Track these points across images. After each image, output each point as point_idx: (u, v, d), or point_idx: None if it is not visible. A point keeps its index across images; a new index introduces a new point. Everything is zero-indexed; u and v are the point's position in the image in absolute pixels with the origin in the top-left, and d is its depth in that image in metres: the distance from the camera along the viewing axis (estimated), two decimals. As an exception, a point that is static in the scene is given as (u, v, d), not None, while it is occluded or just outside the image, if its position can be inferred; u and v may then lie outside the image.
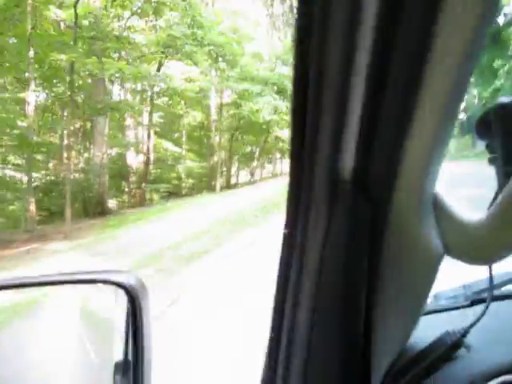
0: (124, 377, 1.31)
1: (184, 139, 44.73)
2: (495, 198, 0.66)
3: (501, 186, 0.66)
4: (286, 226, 0.65)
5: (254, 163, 50.19)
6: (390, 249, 0.62)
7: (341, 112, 0.53)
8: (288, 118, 39.35)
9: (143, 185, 37.33)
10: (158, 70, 36.73)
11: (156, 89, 42.17)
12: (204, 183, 42.91)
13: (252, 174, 47.84)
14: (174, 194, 41.36)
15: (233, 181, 47.05)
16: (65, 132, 24.16)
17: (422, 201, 0.63)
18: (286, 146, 43.79)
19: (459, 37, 0.48)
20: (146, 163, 38.82)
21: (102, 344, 1.88)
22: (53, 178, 31.07)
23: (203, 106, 41.72)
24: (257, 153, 45.68)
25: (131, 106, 29.90)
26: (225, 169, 44.83)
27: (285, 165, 59.50)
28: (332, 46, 0.51)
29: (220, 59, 31.08)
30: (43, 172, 30.34)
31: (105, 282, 1.38)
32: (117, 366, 1.39)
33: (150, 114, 38.29)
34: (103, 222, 25.15)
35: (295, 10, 0.58)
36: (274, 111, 34.07)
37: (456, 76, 0.53)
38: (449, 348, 0.86)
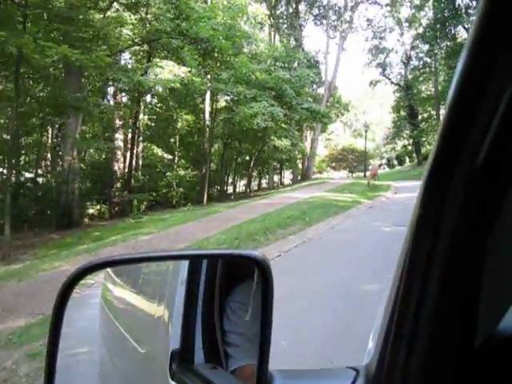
0: (181, 365, 1.32)
1: (177, 145, 40.73)
2: None
3: None
4: (421, 207, 0.67)
5: (251, 174, 46.14)
6: (505, 236, 0.66)
7: (482, 113, 0.58)
8: (286, 126, 35.21)
9: (125, 193, 33.18)
10: (146, 68, 32.70)
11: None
12: (195, 192, 38.56)
13: (247, 187, 43.97)
14: (160, 203, 37.26)
15: (228, 190, 43.68)
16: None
17: None
18: (285, 156, 39.57)
19: None
20: (130, 170, 34.59)
21: (153, 333, 1.64)
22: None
23: (198, 109, 37.55)
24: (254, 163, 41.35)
25: (99, 105, 25.20)
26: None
27: (285, 177, 55.61)
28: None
29: (210, 57, 26.63)
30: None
31: (241, 256, 1.33)
32: (173, 354, 1.35)
33: (132, 116, 33.94)
34: (61, 239, 21.14)
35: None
36: (272, 118, 29.79)
37: None
38: None
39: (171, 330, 1.47)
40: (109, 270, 1.92)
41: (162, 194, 38.82)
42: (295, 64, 37.26)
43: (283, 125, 35.35)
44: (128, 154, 36.34)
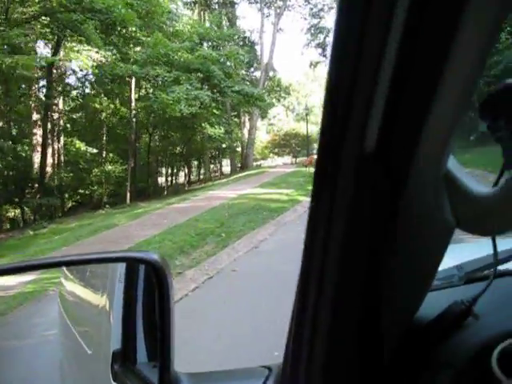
0: (123, 366, 1.30)
1: (104, 138, 35.91)
2: (501, 175, 0.70)
3: (508, 163, 0.69)
4: (313, 199, 0.67)
5: (189, 165, 41.66)
6: (405, 221, 0.65)
7: (367, 93, 0.56)
8: (219, 112, 30.86)
9: (38, 196, 28.25)
10: (55, 52, 27.71)
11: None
12: (124, 189, 33.93)
13: (186, 179, 39.55)
14: (83, 204, 32.58)
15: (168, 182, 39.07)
16: None
17: (437, 176, 0.67)
18: (219, 145, 35.41)
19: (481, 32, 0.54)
20: (42, 169, 29.63)
21: (97, 333, 1.61)
22: None
23: (125, 98, 32.75)
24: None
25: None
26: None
27: (228, 166, 51.15)
28: (368, 36, 0.54)
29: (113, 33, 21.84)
30: None
31: (133, 259, 1.32)
32: (115, 355, 1.33)
33: (46, 108, 28.92)
34: None
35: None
36: (200, 104, 25.36)
37: (476, 58, 0.57)
38: (458, 317, 0.87)
39: (112, 330, 1.40)
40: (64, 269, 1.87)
41: (84, 194, 34.11)
42: (227, 44, 32.78)
43: (215, 111, 31.06)
44: (48, 151, 31.56)
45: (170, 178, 41.25)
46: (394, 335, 0.74)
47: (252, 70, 44.89)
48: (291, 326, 0.73)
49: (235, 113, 42.22)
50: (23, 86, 31.77)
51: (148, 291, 1.35)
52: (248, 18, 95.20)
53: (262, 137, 66.09)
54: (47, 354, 2.20)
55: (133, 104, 30.24)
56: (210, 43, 28.99)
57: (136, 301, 1.38)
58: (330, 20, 55.66)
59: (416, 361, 0.76)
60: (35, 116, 33.04)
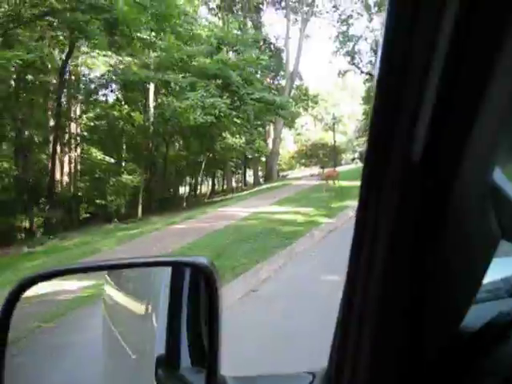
0: (167, 371, 1.31)
1: (123, 147, 34.14)
2: None
3: None
4: (360, 209, 0.67)
5: (213, 175, 39.60)
6: (450, 231, 0.64)
7: (415, 103, 0.57)
8: (239, 121, 28.72)
9: (47, 208, 26.43)
10: (68, 57, 25.94)
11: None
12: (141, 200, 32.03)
13: (194, 193, 37.39)
14: (97, 216, 30.70)
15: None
16: None
17: (483, 187, 0.66)
18: (239, 155, 33.28)
19: None
20: (52, 178, 27.82)
21: (141, 338, 1.59)
22: None
23: (143, 105, 30.88)
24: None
25: None
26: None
27: (249, 178, 48.91)
28: (415, 44, 0.55)
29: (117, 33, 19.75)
30: None
31: (181, 263, 1.34)
32: (159, 360, 1.34)
33: (57, 115, 27.09)
34: None
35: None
36: (218, 112, 23.25)
37: None
38: (503, 327, 0.83)
39: (157, 334, 1.41)
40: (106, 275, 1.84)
41: (100, 205, 32.25)
42: (250, 50, 30.59)
43: (236, 119, 28.93)
44: (65, 159, 29.92)
45: (191, 189, 39.35)
46: (436, 346, 0.70)
47: (279, 78, 42.71)
48: (336, 332, 0.72)
49: (259, 122, 40.13)
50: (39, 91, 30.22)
51: (194, 296, 1.32)
52: (274, 25, 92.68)
53: (289, 147, 63.84)
54: (92, 355, 1.89)
55: (151, 111, 28.35)
56: (230, 48, 26.80)
57: (181, 306, 1.34)
58: (359, 27, 53.14)
59: (458, 369, 0.72)
60: (52, 123, 31.59)
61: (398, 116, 0.56)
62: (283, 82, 41.31)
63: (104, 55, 23.81)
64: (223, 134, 28.57)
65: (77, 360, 1.97)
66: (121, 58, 22.15)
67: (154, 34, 21.77)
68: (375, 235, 0.63)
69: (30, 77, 27.15)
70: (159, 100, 29.75)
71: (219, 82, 24.80)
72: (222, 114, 24.03)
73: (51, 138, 30.42)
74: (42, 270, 1.24)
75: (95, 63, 26.51)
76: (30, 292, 1.12)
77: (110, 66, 24.59)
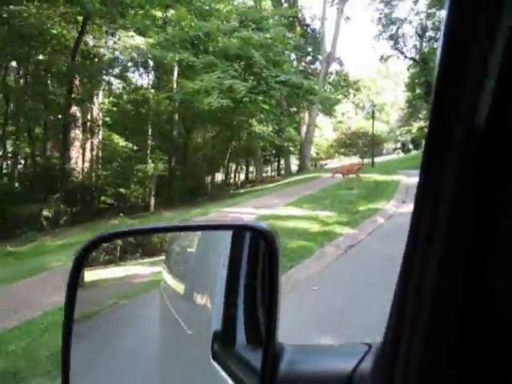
0: (223, 346, 1.31)
1: (149, 133, 31.45)
2: None
3: None
4: (419, 188, 0.63)
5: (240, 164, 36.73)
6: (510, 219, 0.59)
7: (479, 75, 0.53)
8: (267, 106, 25.67)
9: (57, 195, 24.01)
10: (80, 35, 23.30)
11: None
12: (166, 189, 29.55)
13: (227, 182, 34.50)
14: (114, 207, 28.31)
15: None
16: None
17: None
18: (271, 144, 30.31)
19: None
20: (62, 166, 25.41)
21: (199, 315, 1.59)
22: None
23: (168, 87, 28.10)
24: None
25: None
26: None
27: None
28: (480, 14, 0.51)
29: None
30: None
31: (245, 227, 1.31)
32: (215, 336, 1.34)
33: (67, 98, 24.58)
34: None
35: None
36: (239, 96, 20.32)
37: None
38: None
39: (214, 311, 1.42)
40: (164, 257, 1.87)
41: (118, 195, 29.88)
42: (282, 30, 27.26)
43: (264, 105, 25.87)
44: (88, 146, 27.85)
45: (226, 177, 36.71)
46: (501, 321, 0.63)
47: (317, 63, 39.32)
48: (393, 303, 0.69)
49: (293, 109, 37.03)
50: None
51: (252, 265, 1.28)
52: (312, 7, 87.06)
53: (328, 135, 60.31)
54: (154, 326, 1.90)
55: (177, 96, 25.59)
56: (255, 26, 23.57)
57: (238, 279, 1.31)
58: (403, 9, 48.86)
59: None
60: (73, 108, 29.30)
61: (461, 88, 0.53)
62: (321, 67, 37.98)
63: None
64: (250, 121, 25.43)
65: (142, 328, 1.84)
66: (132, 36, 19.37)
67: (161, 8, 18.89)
68: (435, 211, 0.58)
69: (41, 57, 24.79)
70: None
71: (242, 63, 21.78)
72: (243, 99, 21.07)
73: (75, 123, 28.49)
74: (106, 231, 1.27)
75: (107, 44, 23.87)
76: (111, 274, 1.36)
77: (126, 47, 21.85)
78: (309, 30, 38.18)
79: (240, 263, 1.32)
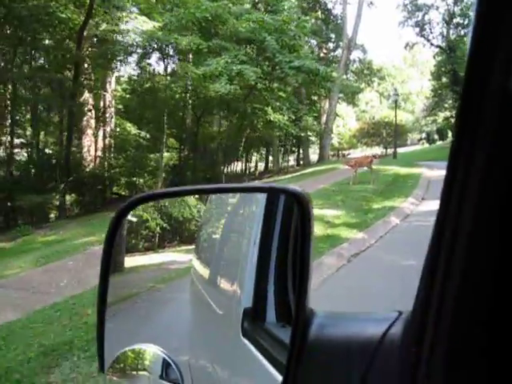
0: (253, 323, 1.29)
1: (165, 120, 30.06)
2: None
3: None
4: (446, 182, 0.62)
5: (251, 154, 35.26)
6: None
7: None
8: (283, 94, 24.14)
9: (62, 186, 22.83)
10: (87, 18, 21.98)
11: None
12: (178, 178, 28.32)
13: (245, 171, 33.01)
14: (123, 198, 27.09)
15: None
16: None
17: None
18: (286, 133, 28.82)
19: None
20: (67, 154, 24.21)
21: (229, 294, 1.57)
22: None
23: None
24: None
25: None
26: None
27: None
28: None
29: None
30: None
31: (280, 190, 1.27)
32: (246, 313, 1.33)
33: (73, 85, 23.32)
34: None
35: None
36: (253, 83, 18.86)
37: None
38: None
39: (244, 289, 1.39)
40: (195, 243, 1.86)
41: (129, 184, 28.73)
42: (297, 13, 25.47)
43: (280, 93, 24.36)
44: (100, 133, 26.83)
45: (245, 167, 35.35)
46: None
47: (339, 51, 37.46)
48: (423, 275, 0.69)
49: (315, 97, 35.38)
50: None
51: (284, 239, 1.25)
52: None
53: (351, 125, 58.38)
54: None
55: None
56: (269, 8, 21.93)
57: (269, 256, 1.29)
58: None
59: None
60: (86, 95, 28.16)
61: (495, 54, 0.49)
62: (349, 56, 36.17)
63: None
64: (266, 109, 23.88)
65: (176, 308, 1.85)
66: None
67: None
68: (463, 188, 0.57)
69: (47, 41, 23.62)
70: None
71: (253, 47, 20.26)
72: (257, 85, 19.58)
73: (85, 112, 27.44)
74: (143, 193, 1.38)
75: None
76: (149, 261, 1.38)
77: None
78: (331, 16, 36.33)
79: (272, 233, 1.28)
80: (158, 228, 1.55)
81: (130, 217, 1.24)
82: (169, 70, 27.69)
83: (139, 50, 25.81)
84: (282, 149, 37.89)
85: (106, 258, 1.15)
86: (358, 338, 0.87)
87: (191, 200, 1.61)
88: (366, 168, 18.21)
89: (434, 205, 12.39)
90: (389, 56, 66.11)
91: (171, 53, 24.13)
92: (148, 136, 29.37)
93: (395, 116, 35.25)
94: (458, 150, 0.55)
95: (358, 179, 17.79)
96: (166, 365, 1.31)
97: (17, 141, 25.68)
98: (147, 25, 19.11)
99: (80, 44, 22.19)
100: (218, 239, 1.81)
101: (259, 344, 1.22)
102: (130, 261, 1.38)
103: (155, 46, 22.46)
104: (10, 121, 24.86)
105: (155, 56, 27.72)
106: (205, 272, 1.84)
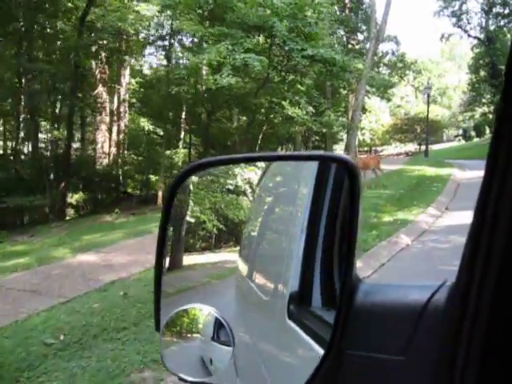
0: (298, 307, 1.25)
1: (183, 116, 28.06)
2: None
3: None
4: (483, 183, 0.63)
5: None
6: None
7: None
8: (302, 87, 21.85)
9: (62, 186, 21.06)
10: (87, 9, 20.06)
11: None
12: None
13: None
14: (132, 197, 25.27)
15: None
16: None
17: None
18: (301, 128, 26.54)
19: None
20: (67, 151, 22.40)
21: (275, 280, 1.53)
22: None
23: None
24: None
25: None
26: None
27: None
28: None
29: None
30: None
31: (331, 158, 1.24)
32: (291, 296, 1.30)
33: (75, 78, 21.45)
34: None
35: None
36: (265, 74, 16.68)
37: None
38: None
39: (291, 273, 1.35)
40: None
41: (141, 183, 26.97)
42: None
43: (300, 86, 22.03)
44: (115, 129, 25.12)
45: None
46: None
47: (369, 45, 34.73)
48: (466, 245, 0.70)
49: (345, 91, 33.10)
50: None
51: (331, 222, 1.21)
52: None
53: (385, 120, 55.41)
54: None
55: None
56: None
57: (316, 243, 1.23)
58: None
59: None
60: (100, 89, 26.56)
61: None
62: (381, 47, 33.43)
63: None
64: (283, 104, 21.61)
65: (228, 298, 1.75)
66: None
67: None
68: (504, 180, 0.57)
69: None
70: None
71: (262, 34, 17.97)
72: (266, 76, 17.32)
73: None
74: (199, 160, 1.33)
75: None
76: (206, 260, 1.41)
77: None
78: (361, 4, 33.74)
79: (321, 213, 1.24)
80: (215, 229, 1.50)
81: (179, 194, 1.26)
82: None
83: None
84: (305, 145, 35.54)
85: (164, 222, 1.19)
86: (404, 303, 0.88)
87: (246, 202, 1.58)
88: (375, 170, 15.98)
89: (457, 217, 10.01)
90: (425, 48, 62.69)
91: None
92: (162, 133, 27.60)
93: (427, 111, 32.63)
94: (496, 147, 0.54)
95: (376, 182, 15.43)
96: (217, 326, 1.28)
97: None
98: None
99: (81, 33, 20.33)
100: (259, 229, 1.67)
101: (305, 325, 1.18)
102: (187, 259, 1.45)
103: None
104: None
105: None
106: (248, 262, 1.73)
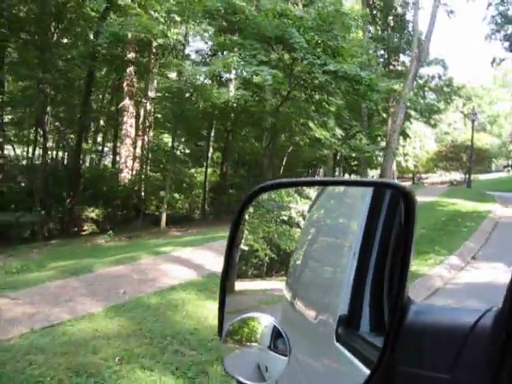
0: (347, 330, 1.24)
1: (212, 132, 26.32)
2: None
3: None
4: None
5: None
6: None
7: None
8: (333, 108, 19.78)
9: (68, 201, 19.50)
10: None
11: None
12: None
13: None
14: (144, 216, 23.49)
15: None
16: None
17: None
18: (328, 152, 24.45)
19: None
20: (77, 166, 20.87)
21: (325, 304, 1.48)
22: None
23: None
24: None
25: None
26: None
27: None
28: None
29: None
30: None
31: (386, 185, 1.23)
32: (340, 319, 1.28)
33: (88, 85, 20.00)
34: None
35: None
36: (285, 92, 14.69)
37: None
38: None
39: (341, 296, 1.33)
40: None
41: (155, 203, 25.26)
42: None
43: (328, 106, 19.89)
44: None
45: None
46: None
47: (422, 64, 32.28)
48: None
49: (383, 115, 30.81)
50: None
51: (384, 248, 1.19)
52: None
53: (430, 147, 52.38)
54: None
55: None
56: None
57: (366, 272, 1.22)
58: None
59: None
60: (127, 101, 25.33)
61: None
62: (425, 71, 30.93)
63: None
64: (309, 125, 19.59)
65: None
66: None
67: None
68: None
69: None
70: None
71: (283, 47, 15.97)
72: (287, 94, 15.31)
73: (126, 119, 24.73)
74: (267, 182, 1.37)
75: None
76: (257, 286, 1.44)
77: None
78: (404, 24, 31.45)
79: (373, 239, 1.22)
80: (267, 258, 1.51)
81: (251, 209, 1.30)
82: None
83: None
84: (338, 169, 33.26)
85: (233, 233, 1.23)
86: (452, 324, 0.90)
87: (297, 234, 1.50)
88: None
89: (483, 271, 7.76)
90: (477, 74, 59.34)
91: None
92: (187, 151, 26.00)
93: (471, 138, 29.83)
94: None
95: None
96: (275, 335, 1.30)
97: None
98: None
99: (96, 39, 18.92)
100: (299, 265, 1.63)
101: (353, 348, 1.18)
102: (239, 285, 1.47)
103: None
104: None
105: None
106: (293, 290, 1.66)
